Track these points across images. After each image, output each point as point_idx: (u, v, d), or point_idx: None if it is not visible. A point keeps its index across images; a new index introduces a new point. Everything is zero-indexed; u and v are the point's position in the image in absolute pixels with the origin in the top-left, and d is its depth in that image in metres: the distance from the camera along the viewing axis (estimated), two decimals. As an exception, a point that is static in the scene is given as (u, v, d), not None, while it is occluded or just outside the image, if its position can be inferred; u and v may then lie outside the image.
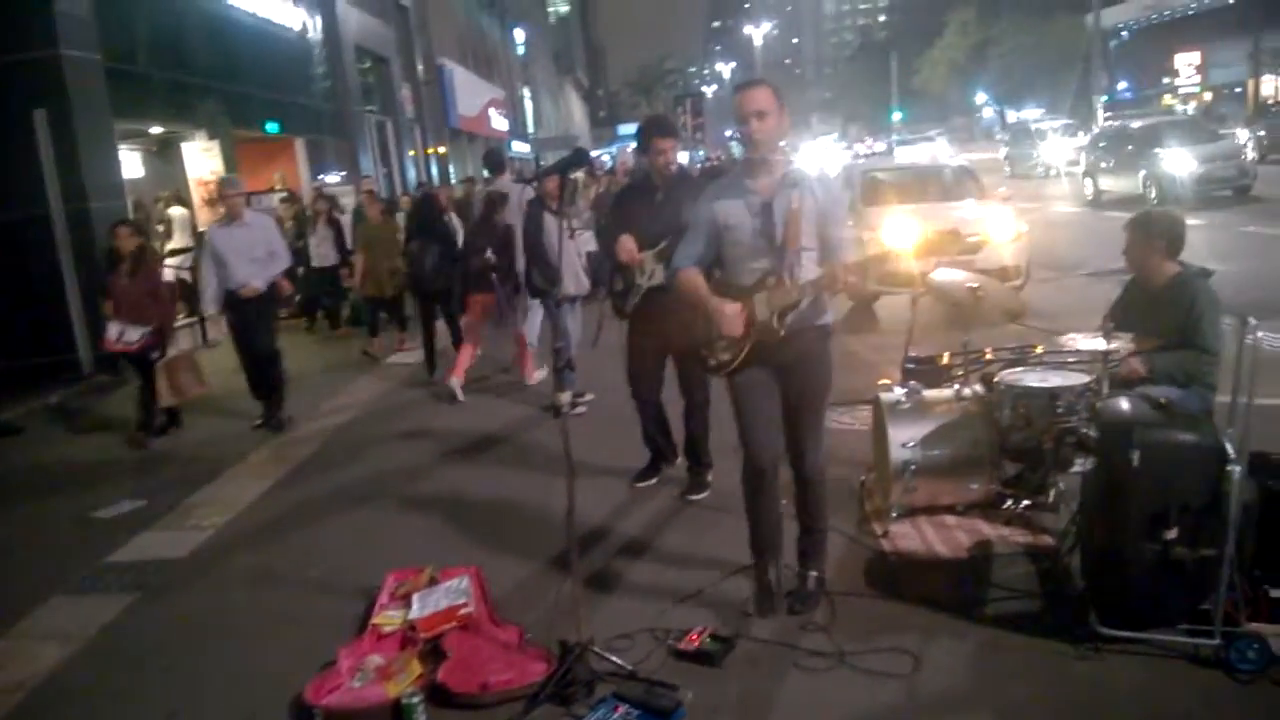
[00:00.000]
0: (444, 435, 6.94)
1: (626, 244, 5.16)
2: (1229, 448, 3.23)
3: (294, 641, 3.99)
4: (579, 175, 9.87)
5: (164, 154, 13.91)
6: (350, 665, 3.57)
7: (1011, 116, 56.14)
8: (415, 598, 3.84)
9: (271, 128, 15.60)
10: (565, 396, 3.73)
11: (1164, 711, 3.06)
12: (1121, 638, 3.36)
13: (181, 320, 11.87)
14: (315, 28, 18.09)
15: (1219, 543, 3.22)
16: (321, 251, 11.48)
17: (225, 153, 13.45)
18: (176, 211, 12.84)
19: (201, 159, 13.32)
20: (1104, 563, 3.49)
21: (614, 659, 3.46)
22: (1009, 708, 3.16)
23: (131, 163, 13.02)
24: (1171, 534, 3.25)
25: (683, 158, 30.66)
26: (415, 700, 3.29)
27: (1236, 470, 3.19)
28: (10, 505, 6.25)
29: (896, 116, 62.99)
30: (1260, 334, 3.25)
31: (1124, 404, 3.54)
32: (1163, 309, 4.23)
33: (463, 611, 3.77)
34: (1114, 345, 4.10)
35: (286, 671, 3.71)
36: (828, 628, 3.69)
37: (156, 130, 13.15)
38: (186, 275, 11.07)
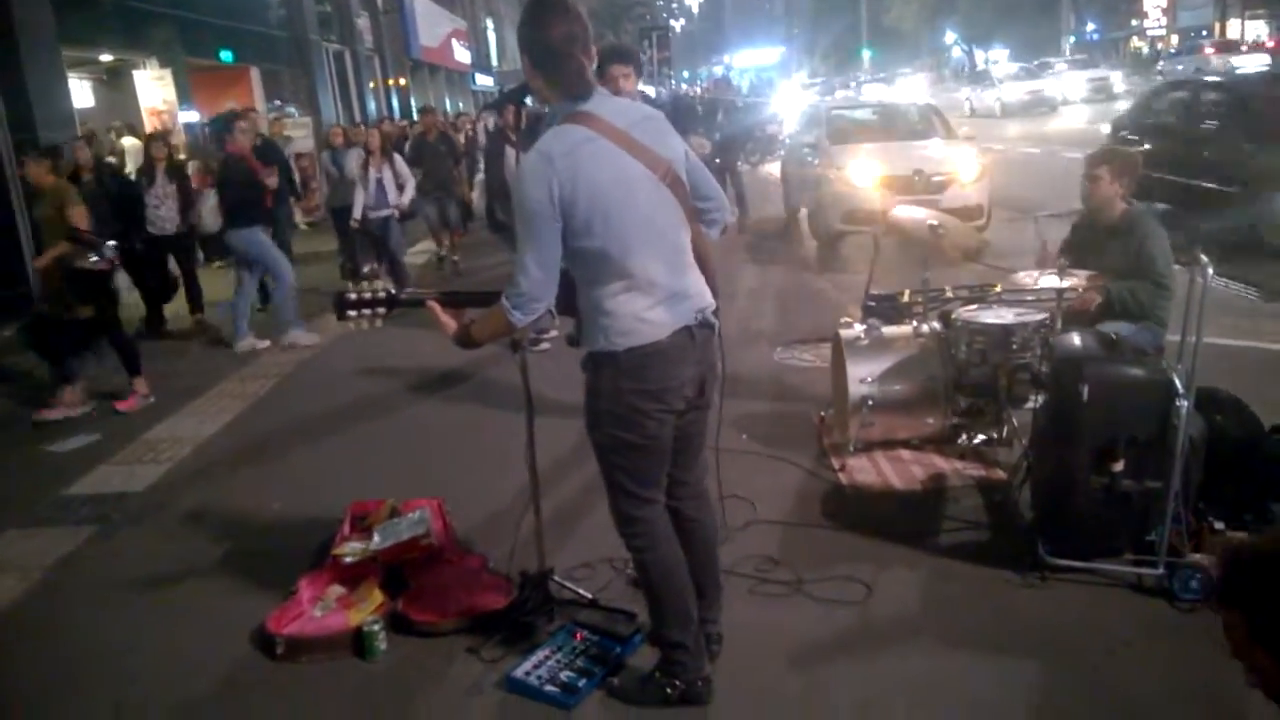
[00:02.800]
0: (406, 370, 6.91)
1: None
2: (1177, 382, 3.30)
3: (255, 573, 4.00)
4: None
5: (115, 83, 13.52)
6: (312, 595, 3.59)
7: (980, 57, 55.92)
8: (376, 529, 3.85)
9: (226, 56, 15.20)
10: (526, 332, 3.73)
11: (1107, 637, 3.16)
12: (1068, 567, 3.46)
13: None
14: (270, -48, 17.55)
15: (1165, 475, 3.31)
16: (162, 214, 8.65)
17: (178, 82, 13.09)
18: (129, 141, 12.51)
19: (154, 88, 12.96)
20: (1053, 494, 3.57)
21: (574, 588, 3.51)
22: (957, 633, 3.25)
23: (82, 92, 12.65)
24: (1119, 466, 3.33)
25: (649, 92, 30.22)
26: (376, 628, 3.33)
27: (1184, 404, 3.26)
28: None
29: (866, 55, 62.41)
30: (1210, 271, 3.30)
31: (1075, 339, 3.60)
32: (1113, 243, 4.29)
33: (424, 542, 3.80)
34: (1068, 282, 4.15)
35: (248, 602, 3.74)
36: (784, 559, 3.76)
37: (107, 58, 12.77)
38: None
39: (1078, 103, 31.25)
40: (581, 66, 2.59)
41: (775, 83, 38.57)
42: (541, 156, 2.52)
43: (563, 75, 2.60)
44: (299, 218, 13.13)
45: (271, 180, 8.21)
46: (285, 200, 9.87)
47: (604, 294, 2.63)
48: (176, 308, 9.11)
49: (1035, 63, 37.22)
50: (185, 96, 13.24)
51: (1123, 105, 24.59)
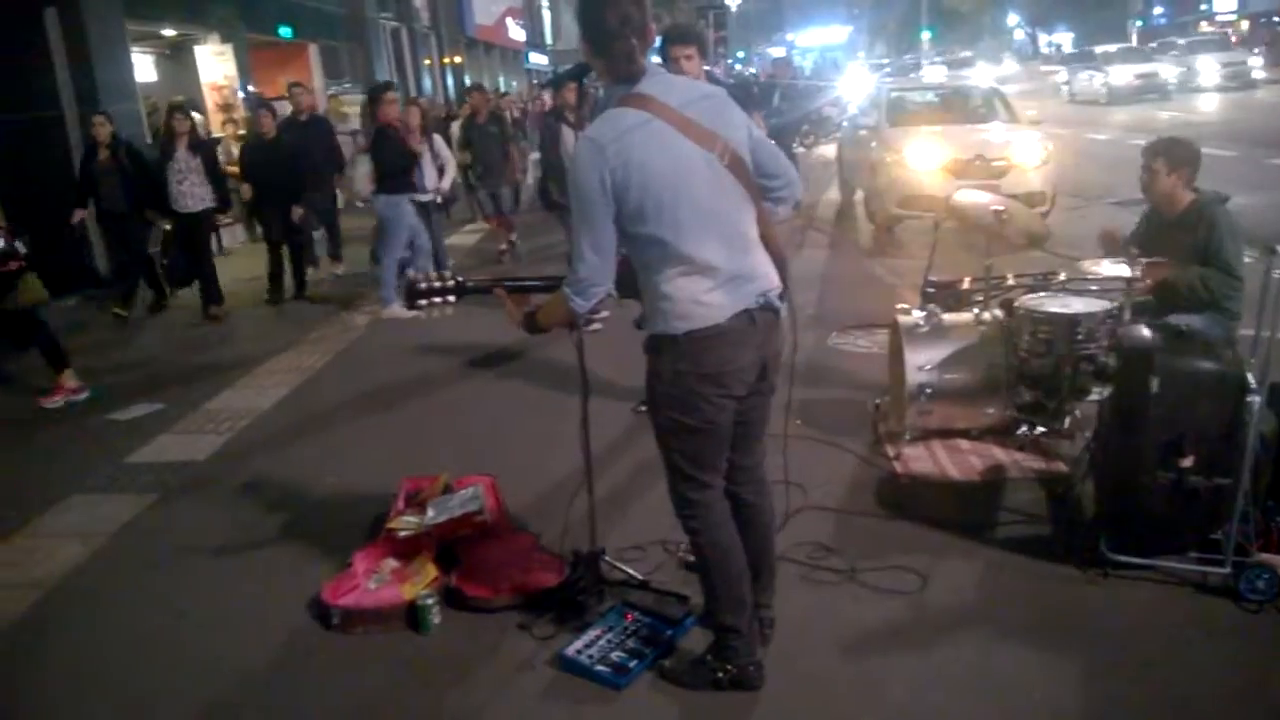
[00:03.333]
0: (460, 348, 6.94)
1: None
2: (1250, 377, 3.20)
3: (310, 545, 4.06)
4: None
5: (177, 58, 13.72)
6: (367, 568, 3.63)
7: (1043, 40, 54.71)
8: (430, 504, 3.88)
9: (285, 32, 15.35)
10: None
11: (1169, 637, 3.09)
12: (1131, 564, 3.38)
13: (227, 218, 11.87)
14: (331, -71, 17.66)
15: (1234, 472, 3.22)
16: (184, 190, 8.30)
17: (239, 58, 13.25)
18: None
19: (215, 63, 13.12)
20: (1117, 489, 3.48)
21: (625, 569, 3.51)
22: (1014, 627, 3.20)
23: (144, 66, 12.86)
24: (1187, 462, 3.24)
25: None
26: (430, 601, 3.35)
27: (1256, 400, 3.16)
28: (27, 407, 6.30)
29: (925, 36, 61.38)
30: (1289, 263, 3.20)
31: (1145, 331, 3.50)
32: (1180, 235, 4.18)
33: (477, 519, 3.82)
34: (1136, 270, 4.04)
35: (303, 573, 3.80)
36: (837, 546, 3.72)
37: (169, 33, 12.95)
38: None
39: (1209, 90, 27.41)
40: (632, 49, 2.57)
41: (841, 63, 37.04)
42: (592, 144, 2.52)
43: (613, 57, 2.59)
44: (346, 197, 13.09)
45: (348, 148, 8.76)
46: (329, 180, 9.80)
47: (662, 278, 2.62)
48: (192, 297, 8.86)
49: (1154, 43, 34.22)
50: (245, 72, 13.39)
51: (1267, 95, 22.43)
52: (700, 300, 2.60)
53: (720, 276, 2.62)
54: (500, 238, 10.64)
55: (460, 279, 3.22)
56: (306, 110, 9.99)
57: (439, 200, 8.65)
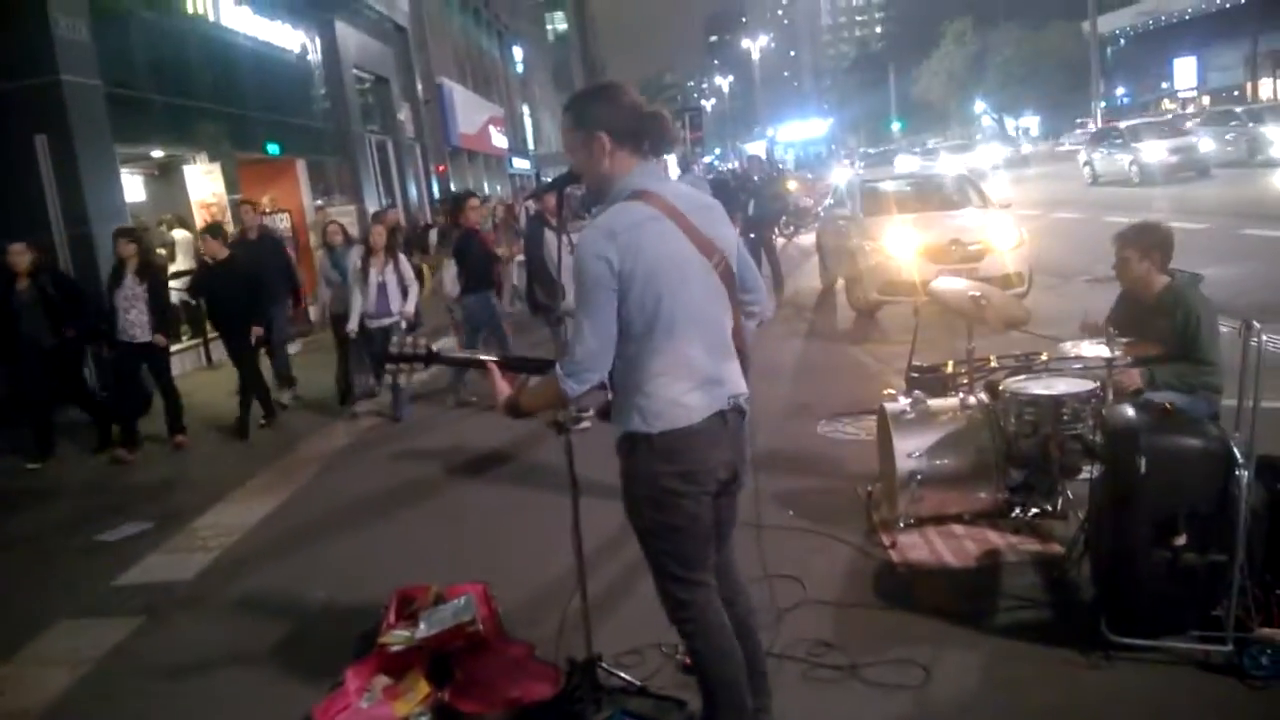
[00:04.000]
0: (447, 453, 6.93)
1: None
2: (1236, 452, 3.22)
3: (301, 663, 3.98)
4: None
5: (166, 177, 13.94)
6: (358, 686, 3.55)
7: (1010, 125, 56.21)
8: (422, 616, 3.82)
9: (272, 149, 15.65)
10: (569, 412, 3.73)
11: (1176, 719, 3.04)
12: (1133, 645, 3.34)
13: (185, 343, 11.92)
14: (315, 49, 18.15)
15: (1229, 548, 3.20)
16: (131, 319, 7.69)
17: (227, 175, 13.47)
18: (179, 234, 12.87)
19: (203, 181, 13.34)
20: (1113, 569, 3.46)
21: (622, 675, 3.44)
22: (1020, 717, 3.14)
23: (133, 186, 13.04)
24: (1181, 540, 3.23)
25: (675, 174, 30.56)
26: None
27: (1244, 474, 3.17)
28: (15, 529, 6.23)
29: (896, 127, 63.06)
30: (1264, 337, 3.24)
31: (1130, 410, 3.52)
32: (1157, 319, 4.23)
33: (470, 629, 3.75)
34: (1117, 352, 4.09)
35: (294, 693, 3.72)
36: (837, 641, 3.67)
37: (158, 154, 13.19)
38: (189, 298, 11.06)
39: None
40: (666, 121, 2.70)
41: (825, 157, 37.50)
42: (604, 231, 2.55)
43: (653, 134, 2.68)
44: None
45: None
46: (282, 299, 9.34)
47: (644, 374, 2.63)
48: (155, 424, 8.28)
49: (1183, 110, 32.49)
50: (233, 189, 13.61)
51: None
52: (679, 401, 2.63)
53: (699, 377, 2.66)
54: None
55: (435, 349, 3.12)
56: (255, 228, 9.73)
57: (404, 325, 7.99)
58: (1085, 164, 26.87)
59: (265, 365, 8.96)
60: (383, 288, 7.95)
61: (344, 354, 8.89)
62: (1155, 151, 23.79)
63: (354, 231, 14.11)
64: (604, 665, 3.42)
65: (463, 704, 3.40)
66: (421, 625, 3.76)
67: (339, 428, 8.27)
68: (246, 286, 8.22)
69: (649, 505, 2.70)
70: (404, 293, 8.03)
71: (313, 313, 10.14)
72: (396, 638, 3.77)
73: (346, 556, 5.23)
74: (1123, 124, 28.11)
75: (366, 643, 3.91)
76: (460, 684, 3.51)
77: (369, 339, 8.07)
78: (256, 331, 8.24)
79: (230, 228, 12.53)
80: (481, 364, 2.99)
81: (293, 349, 10.28)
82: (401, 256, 8.26)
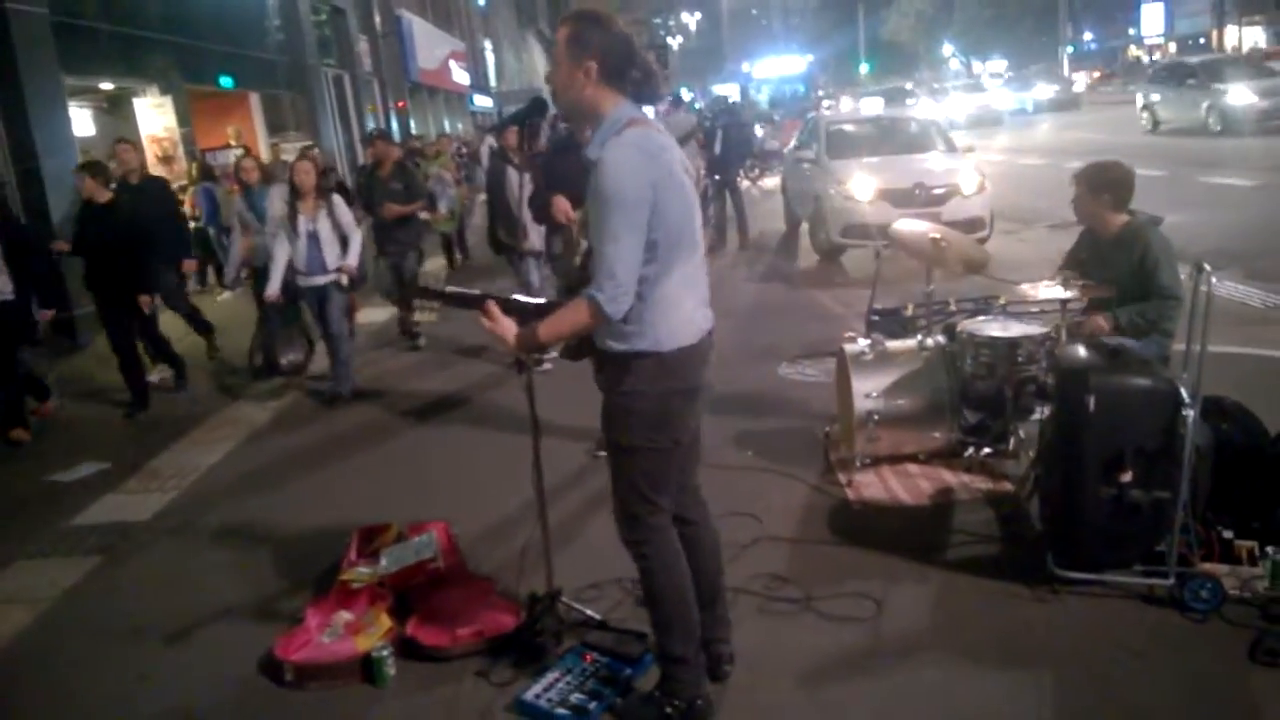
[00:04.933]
0: (408, 394, 6.91)
1: (561, 204, 5.11)
2: (1183, 392, 3.29)
3: (262, 601, 3.99)
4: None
5: (116, 110, 13.54)
6: (319, 622, 3.57)
7: (978, 68, 56.05)
8: (383, 553, 3.84)
9: (226, 82, 15.25)
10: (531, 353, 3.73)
11: (1119, 649, 3.14)
12: (1078, 579, 3.44)
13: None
14: (269, -22, 17.65)
15: (1173, 485, 3.30)
16: None
17: (179, 108, 13.14)
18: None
19: (154, 115, 13.00)
20: (1061, 506, 3.55)
21: (583, 609, 3.50)
22: (968, 648, 3.23)
23: (82, 120, 12.67)
24: (1126, 477, 3.31)
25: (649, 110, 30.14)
26: (385, 653, 3.31)
27: (1191, 414, 3.25)
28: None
29: (864, 68, 62.59)
30: (1215, 280, 3.30)
31: (1080, 350, 3.59)
32: (1115, 258, 4.28)
33: (431, 566, 3.79)
34: (1072, 293, 4.15)
35: (255, 630, 3.73)
36: (792, 576, 3.74)
37: (107, 86, 12.81)
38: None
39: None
40: (652, 67, 2.74)
41: (804, 94, 35.10)
42: (642, 152, 2.58)
43: (644, 81, 2.71)
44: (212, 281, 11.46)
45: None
46: (174, 255, 7.90)
47: (658, 290, 2.65)
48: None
49: (1150, 57, 31.50)
50: (185, 123, 13.28)
51: None
52: (688, 317, 2.73)
53: (699, 296, 2.79)
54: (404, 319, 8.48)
55: (453, 288, 3.15)
56: (137, 170, 8.28)
57: (343, 282, 6.69)
58: (1143, 108, 22.79)
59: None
60: (314, 238, 6.54)
61: (263, 318, 7.56)
62: (1242, 95, 19.66)
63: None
64: (564, 599, 3.47)
65: (424, 637, 3.43)
66: (383, 562, 3.78)
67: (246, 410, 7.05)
68: (130, 240, 6.86)
69: (648, 423, 2.72)
70: (342, 243, 6.68)
71: (227, 272, 8.40)
72: (358, 574, 3.79)
73: (305, 496, 5.22)
74: (1194, 59, 24.22)
75: (328, 580, 3.93)
76: (422, 618, 3.55)
77: (291, 301, 7.00)
78: (144, 302, 6.97)
79: (180, 165, 12.25)
80: (482, 301, 2.84)
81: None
82: (338, 200, 6.81)
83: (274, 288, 6.67)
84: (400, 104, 26.96)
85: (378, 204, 8.02)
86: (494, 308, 2.81)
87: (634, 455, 2.78)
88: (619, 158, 2.55)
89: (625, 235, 2.52)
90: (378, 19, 25.85)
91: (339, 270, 6.62)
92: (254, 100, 16.54)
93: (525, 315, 2.84)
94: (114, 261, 6.80)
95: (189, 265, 8.30)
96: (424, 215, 9.09)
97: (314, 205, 6.58)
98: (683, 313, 2.71)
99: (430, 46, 31.03)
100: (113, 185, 7.28)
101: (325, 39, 21.31)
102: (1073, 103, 33.51)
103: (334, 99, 20.91)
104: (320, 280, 6.65)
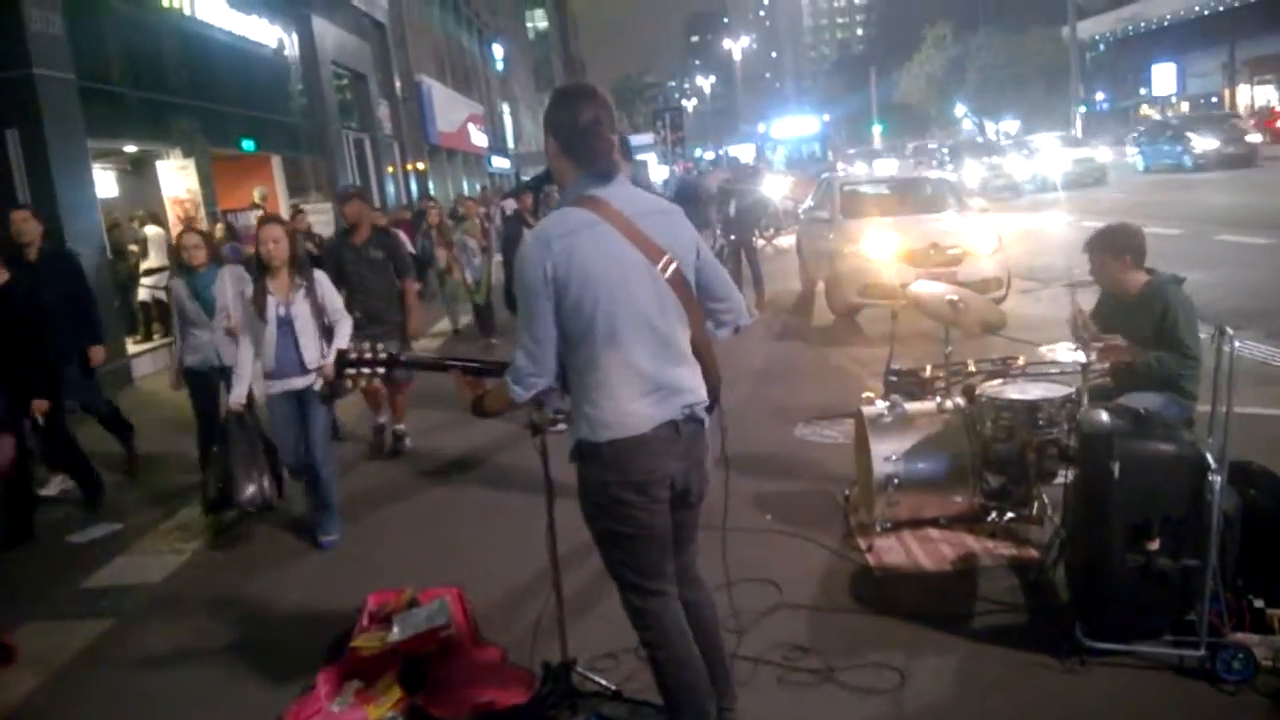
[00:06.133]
0: (421, 456, 6.89)
1: None
2: (1209, 457, 3.23)
3: (273, 666, 3.94)
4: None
5: (139, 172, 13.81)
6: (330, 689, 3.51)
7: (990, 129, 56.54)
8: (395, 620, 3.77)
9: (248, 145, 15.53)
10: (542, 414, 3.71)
11: (1149, 722, 3.05)
12: (1106, 650, 3.35)
13: (157, 341, 11.79)
14: (291, 44, 18.02)
15: (1202, 553, 3.22)
16: None
17: (201, 171, 13.35)
18: (152, 230, 12.75)
19: (177, 177, 13.21)
20: (1088, 574, 3.48)
21: (597, 679, 3.42)
22: (996, 722, 3.14)
23: (106, 182, 12.92)
24: (1154, 545, 3.24)
25: (661, 172, 30.39)
26: (396, 725, 3.25)
27: (1217, 480, 3.19)
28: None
29: (877, 130, 63.28)
30: (1238, 343, 3.26)
31: (1104, 415, 3.53)
32: (1137, 316, 4.23)
33: (444, 633, 3.72)
34: (1092, 355, 4.10)
35: (266, 696, 3.68)
36: (812, 645, 3.66)
37: (131, 149, 13.06)
38: (162, 295, 10.90)
39: None
40: (609, 146, 2.66)
41: (821, 154, 34.97)
42: (538, 238, 2.59)
43: (590, 155, 2.66)
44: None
45: None
46: (74, 344, 6.41)
47: (590, 382, 2.63)
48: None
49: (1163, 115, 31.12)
50: (207, 185, 13.49)
51: None
52: (625, 410, 2.61)
53: (648, 385, 2.63)
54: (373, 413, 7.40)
55: (391, 352, 3.17)
56: (35, 243, 6.54)
57: (318, 386, 5.15)
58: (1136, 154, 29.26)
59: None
60: (287, 326, 5.09)
61: (207, 433, 5.96)
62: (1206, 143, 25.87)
63: (331, 229, 13.69)
64: (579, 669, 3.40)
65: (435, 708, 3.37)
66: (395, 629, 3.72)
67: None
68: (25, 328, 5.74)
69: (600, 514, 2.71)
70: (326, 333, 5.19)
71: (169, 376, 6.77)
72: (369, 641, 3.73)
73: (318, 559, 5.18)
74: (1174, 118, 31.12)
75: (339, 647, 3.87)
76: (433, 688, 3.48)
77: (250, 414, 5.32)
78: (38, 408, 5.80)
79: (202, 225, 12.41)
80: (445, 368, 3.03)
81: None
82: (321, 277, 5.33)
83: (239, 393, 5.18)
84: (412, 165, 27.28)
85: (350, 276, 6.68)
86: (458, 373, 2.98)
87: (607, 544, 2.77)
88: (522, 246, 2.68)
89: (521, 322, 2.63)
90: (398, 83, 26.41)
91: (320, 369, 5.10)
92: (275, 163, 16.82)
93: (490, 375, 2.96)
94: (10, 355, 5.62)
95: (96, 354, 6.55)
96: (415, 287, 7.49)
97: (289, 283, 5.13)
98: (618, 404, 2.60)
99: (449, 110, 31.64)
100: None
101: (346, 103, 21.74)
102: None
103: (354, 160, 21.27)
104: (298, 384, 5.15)
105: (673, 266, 2.66)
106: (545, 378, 2.64)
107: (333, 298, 5.31)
